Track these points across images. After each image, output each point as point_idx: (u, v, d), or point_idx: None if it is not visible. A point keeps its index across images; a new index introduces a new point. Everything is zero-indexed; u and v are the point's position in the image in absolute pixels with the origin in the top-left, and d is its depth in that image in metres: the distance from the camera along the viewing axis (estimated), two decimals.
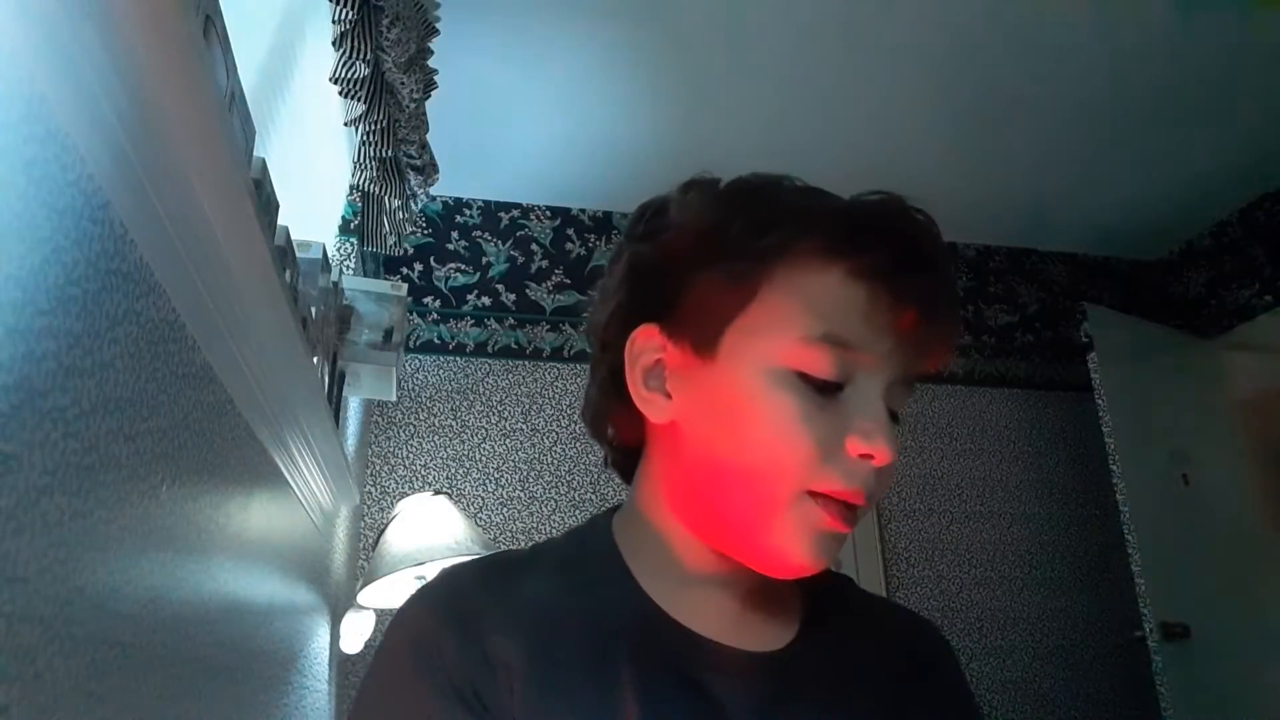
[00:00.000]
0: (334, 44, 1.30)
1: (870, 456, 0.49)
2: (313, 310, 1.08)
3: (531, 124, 2.47)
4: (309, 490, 1.26)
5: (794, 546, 0.49)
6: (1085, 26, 2.14)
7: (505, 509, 2.44)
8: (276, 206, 0.84)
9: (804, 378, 0.49)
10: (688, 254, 0.53)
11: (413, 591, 0.55)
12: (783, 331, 0.50)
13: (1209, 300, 3.03)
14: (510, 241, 2.79)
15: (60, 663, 0.47)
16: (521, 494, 2.45)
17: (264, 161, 0.79)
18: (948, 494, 2.77)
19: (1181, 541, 2.53)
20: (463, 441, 2.49)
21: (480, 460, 2.48)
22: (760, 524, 0.50)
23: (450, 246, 2.75)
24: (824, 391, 0.49)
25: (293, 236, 0.91)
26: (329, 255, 1.23)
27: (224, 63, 0.64)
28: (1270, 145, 2.63)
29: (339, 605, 1.76)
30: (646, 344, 0.54)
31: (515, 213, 2.84)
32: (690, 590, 0.54)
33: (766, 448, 0.49)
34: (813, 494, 0.49)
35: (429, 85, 1.58)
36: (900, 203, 0.53)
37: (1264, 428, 2.79)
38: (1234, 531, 2.65)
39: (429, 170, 1.66)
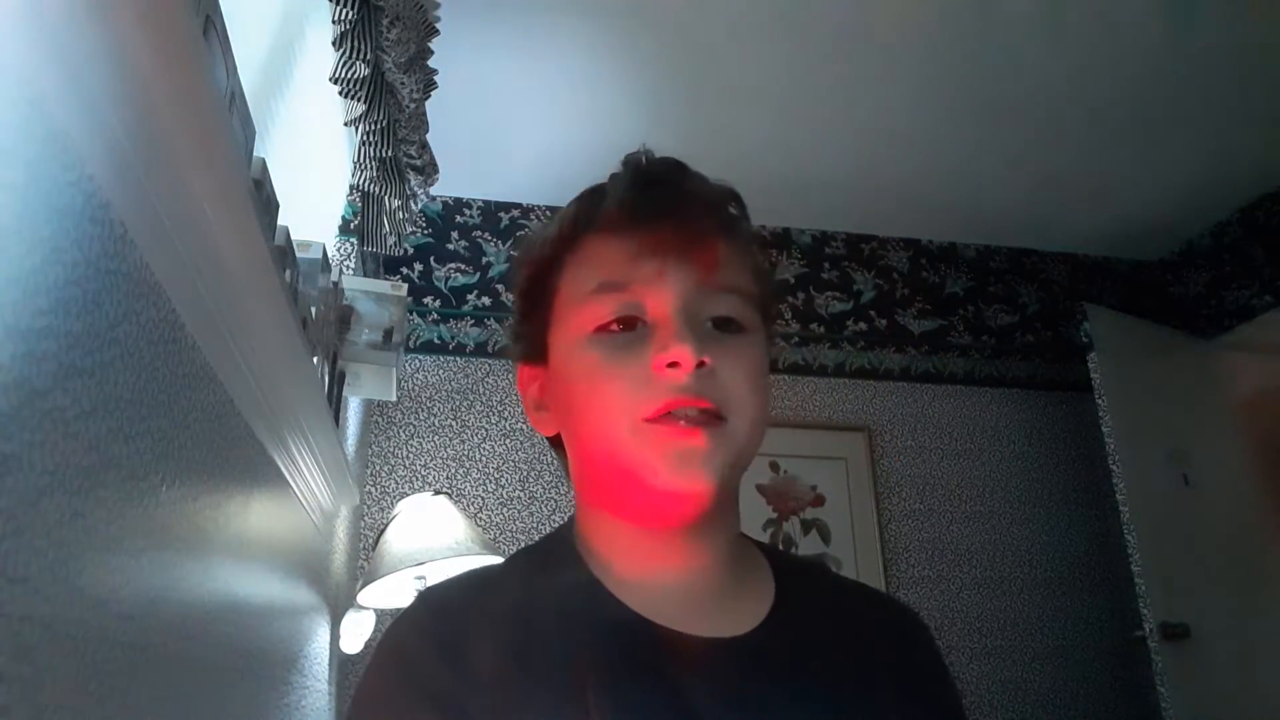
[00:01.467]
0: (334, 44, 1.30)
1: (675, 364, 0.51)
2: (313, 310, 1.08)
3: (531, 124, 2.47)
4: (309, 490, 1.26)
5: (655, 470, 0.51)
6: (1085, 27, 2.14)
7: (505, 509, 2.44)
8: (276, 206, 0.84)
9: (602, 332, 0.54)
10: (518, 290, 0.62)
11: (393, 621, 0.57)
12: (571, 306, 0.56)
13: (1209, 300, 3.02)
14: (510, 241, 2.79)
15: (60, 663, 0.47)
16: (521, 494, 2.45)
17: (264, 161, 0.79)
18: (947, 494, 2.77)
19: (1181, 541, 2.53)
20: (463, 441, 2.49)
21: (480, 460, 2.48)
22: (623, 469, 0.53)
23: (450, 246, 2.75)
24: (627, 334, 0.54)
25: (293, 236, 0.91)
26: (329, 255, 1.23)
27: (224, 63, 0.64)
28: (1270, 145, 2.63)
29: (339, 605, 1.76)
30: (523, 379, 0.63)
31: (515, 213, 2.84)
32: (649, 580, 0.56)
33: (594, 403, 0.54)
34: (648, 420, 0.52)
35: (429, 85, 1.58)
36: (634, 156, 0.60)
37: (1264, 428, 2.79)
38: (1234, 531, 2.65)
39: (429, 170, 1.66)
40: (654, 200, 0.56)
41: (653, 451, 0.51)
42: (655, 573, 0.56)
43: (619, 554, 0.57)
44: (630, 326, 0.54)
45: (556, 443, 0.63)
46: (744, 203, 0.62)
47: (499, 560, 1.87)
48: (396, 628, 0.56)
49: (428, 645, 0.52)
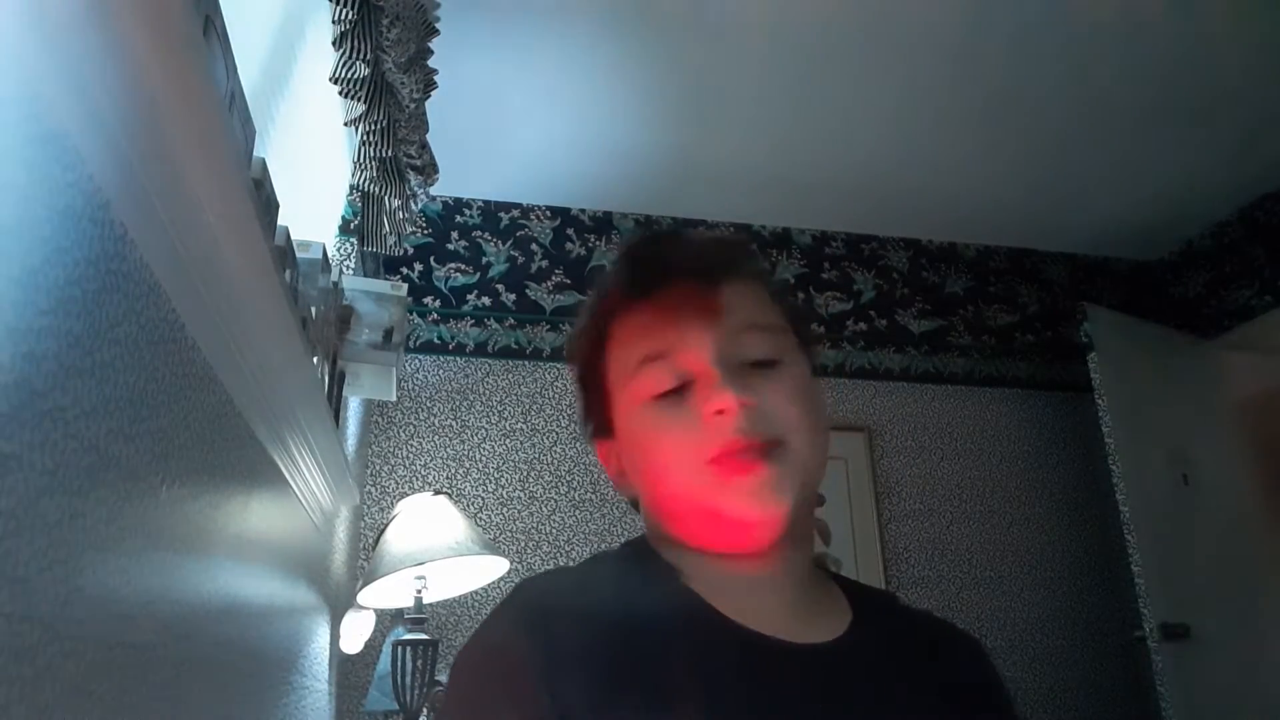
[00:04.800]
0: (334, 44, 1.30)
1: (720, 410, 0.56)
2: (313, 310, 1.08)
3: (531, 124, 2.47)
4: (309, 490, 1.26)
5: (722, 506, 0.56)
6: (1085, 27, 2.14)
7: (505, 509, 2.44)
8: (276, 206, 0.84)
9: (655, 399, 0.59)
10: (578, 386, 0.67)
11: (489, 615, 0.58)
12: (623, 382, 0.61)
13: (1209, 300, 3.02)
14: (510, 241, 2.79)
15: (60, 663, 0.47)
16: (521, 494, 2.45)
17: (264, 161, 0.79)
18: (948, 494, 2.77)
19: (1181, 541, 2.53)
20: (463, 441, 2.49)
21: (480, 460, 2.48)
22: (693, 510, 0.58)
23: (450, 246, 2.75)
24: (677, 395, 0.58)
25: (293, 236, 0.91)
26: (329, 255, 1.23)
27: (224, 63, 0.64)
28: (1270, 145, 2.63)
29: (339, 605, 1.76)
30: (603, 455, 0.67)
31: (515, 213, 2.84)
32: (738, 591, 0.58)
33: (658, 458, 0.59)
34: (709, 463, 0.56)
35: (429, 85, 1.58)
36: (647, 232, 0.67)
37: (1264, 428, 2.79)
38: (1234, 531, 2.65)
39: (429, 170, 1.66)
40: (668, 261, 0.62)
41: (720, 490, 0.56)
42: (742, 588, 0.59)
43: (707, 574, 0.59)
44: (679, 389, 0.58)
45: (637, 503, 0.67)
46: (747, 246, 0.68)
47: (500, 561, 1.86)
48: (496, 619, 0.56)
49: (529, 637, 0.53)
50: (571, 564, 0.66)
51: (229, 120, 0.63)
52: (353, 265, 1.84)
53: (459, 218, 2.80)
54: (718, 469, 0.55)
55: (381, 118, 1.43)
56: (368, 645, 1.88)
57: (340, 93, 1.35)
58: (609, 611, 0.55)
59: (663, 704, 0.51)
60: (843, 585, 0.65)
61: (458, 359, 2.60)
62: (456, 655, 0.56)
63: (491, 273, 2.74)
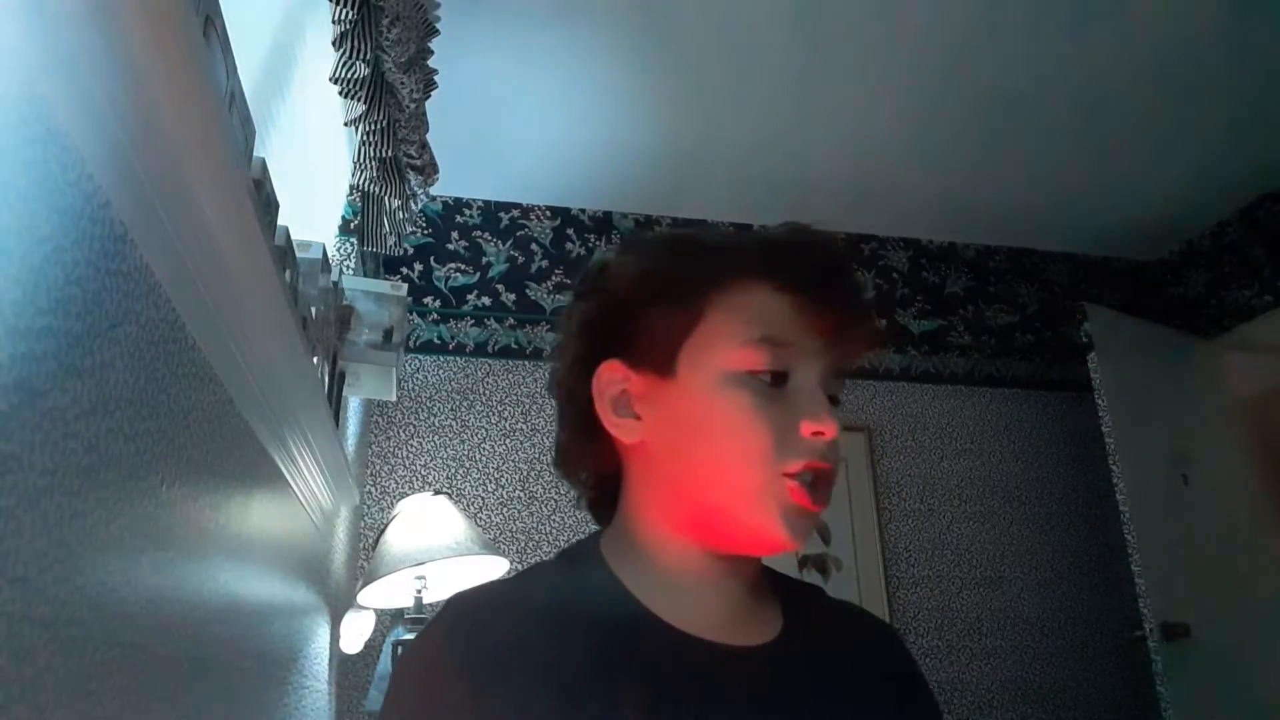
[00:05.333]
0: (334, 44, 1.30)
1: (821, 432, 0.56)
2: (313, 310, 1.08)
3: (531, 124, 2.47)
4: (309, 490, 1.26)
5: (775, 525, 0.56)
6: (1085, 26, 2.14)
7: (505, 509, 2.44)
8: (276, 206, 0.84)
9: (752, 376, 0.57)
10: (634, 295, 0.61)
11: (420, 632, 0.57)
12: (728, 341, 0.58)
13: (1209, 300, 3.02)
14: (510, 241, 2.79)
15: (60, 663, 0.47)
16: (521, 494, 2.45)
17: (264, 161, 0.79)
18: (948, 494, 2.77)
19: (1181, 541, 2.53)
20: (463, 441, 2.49)
21: (480, 460, 2.48)
22: (742, 508, 0.56)
23: (450, 246, 2.75)
24: (773, 385, 0.57)
25: (293, 236, 0.91)
26: (329, 255, 1.23)
27: (224, 63, 0.64)
28: (1270, 145, 2.63)
29: (339, 605, 1.76)
30: (611, 376, 0.61)
31: (515, 213, 2.84)
32: (682, 597, 0.59)
33: (732, 440, 0.56)
34: (787, 475, 0.56)
35: (429, 85, 1.58)
36: (807, 227, 0.63)
37: (1264, 428, 2.79)
38: (1234, 531, 2.65)
39: (429, 170, 1.66)
40: (834, 281, 0.61)
41: (777, 506, 0.56)
42: (697, 588, 0.59)
43: (665, 572, 0.59)
44: (779, 382, 0.57)
45: (600, 454, 0.63)
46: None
47: (500, 561, 1.86)
48: (427, 637, 0.56)
49: (461, 655, 0.53)
50: None
51: (229, 120, 0.63)
52: (353, 265, 1.84)
53: (459, 218, 2.80)
54: (789, 483, 0.55)
55: (381, 118, 1.43)
56: (368, 645, 1.88)
57: (340, 93, 1.35)
58: (543, 624, 0.55)
59: (602, 712, 0.51)
60: (773, 584, 0.66)
61: (458, 359, 2.60)
62: (390, 677, 0.56)
63: (491, 273, 2.74)
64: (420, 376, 2.55)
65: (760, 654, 0.58)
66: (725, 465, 0.57)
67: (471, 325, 2.65)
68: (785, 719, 0.55)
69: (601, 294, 0.63)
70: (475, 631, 0.54)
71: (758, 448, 0.55)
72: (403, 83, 1.41)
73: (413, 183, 1.66)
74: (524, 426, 2.54)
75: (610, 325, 0.62)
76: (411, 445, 2.46)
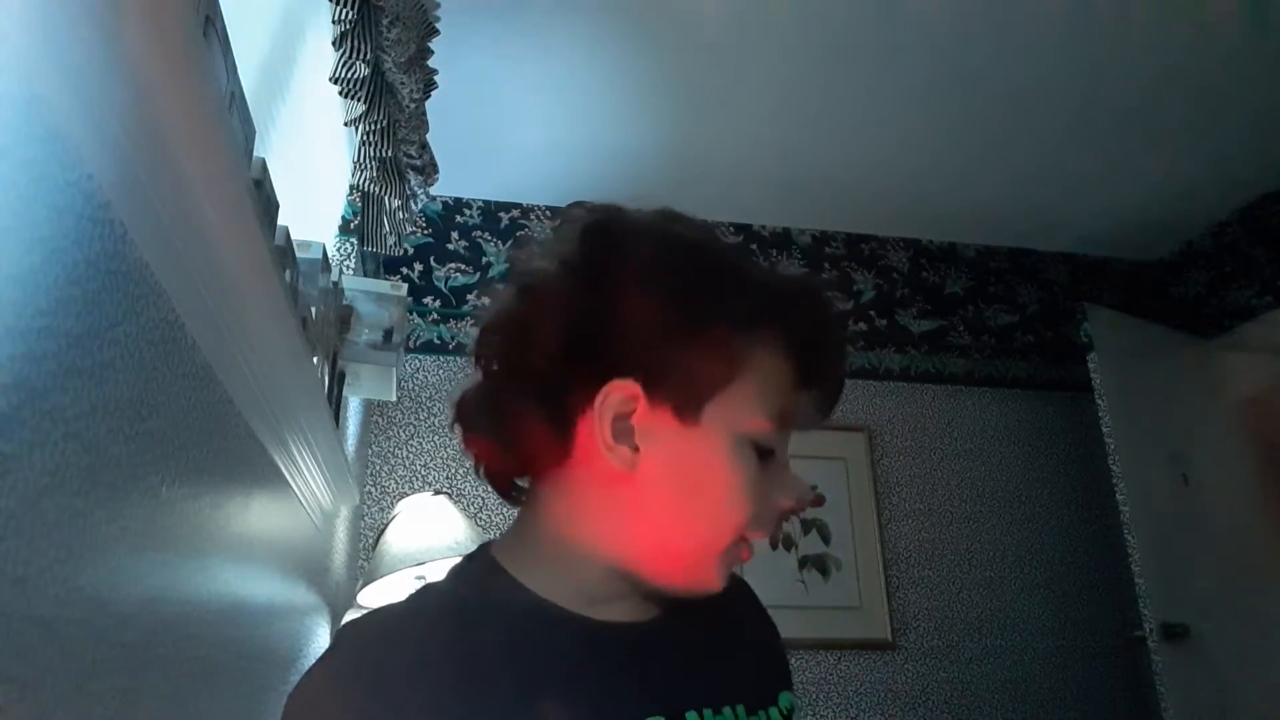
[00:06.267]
0: (334, 44, 1.30)
1: (791, 510, 0.60)
2: (313, 310, 1.08)
3: (531, 124, 2.47)
4: (309, 490, 1.26)
5: (718, 579, 0.59)
6: (1085, 27, 2.14)
7: (505, 509, 2.43)
8: (276, 206, 0.84)
9: (754, 444, 0.57)
10: (663, 317, 0.55)
11: (310, 672, 0.53)
12: (754, 407, 0.57)
13: (1209, 300, 3.02)
14: (510, 241, 2.79)
15: (60, 663, 0.47)
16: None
17: (264, 161, 0.79)
18: (948, 494, 2.76)
19: (1181, 541, 2.53)
20: None
21: None
22: (698, 563, 0.58)
23: (450, 246, 2.75)
24: (765, 460, 0.58)
25: (293, 236, 0.91)
26: (329, 255, 1.23)
27: (224, 63, 0.64)
28: (1270, 145, 2.63)
29: (339, 605, 1.76)
30: (624, 398, 0.55)
31: (515, 213, 2.84)
32: (594, 599, 0.59)
33: (725, 505, 0.57)
34: (743, 536, 0.58)
35: (429, 85, 1.58)
36: (823, 285, 0.65)
37: (1264, 428, 2.79)
38: (1234, 531, 2.65)
39: (429, 170, 1.66)
40: (837, 359, 0.64)
41: (724, 565, 0.58)
42: (609, 597, 0.59)
43: (582, 580, 0.58)
44: (765, 455, 0.58)
45: (547, 450, 0.58)
46: None
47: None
48: (314, 677, 0.52)
49: (358, 686, 0.50)
50: None
51: (229, 120, 0.63)
52: (353, 265, 1.84)
53: (459, 218, 2.80)
54: (740, 547, 0.58)
55: (381, 118, 1.43)
56: None
57: (340, 93, 1.35)
58: (446, 639, 0.53)
59: (521, 709, 0.51)
60: None
61: (458, 359, 2.60)
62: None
63: (491, 273, 2.74)
64: (420, 376, 2.55)
65: (654, 628, 0.60)
66: (705, 524, 0.57)
67: (471, 325, 2.65)
68: (688, 673, 0.59)
69: (616, 287, 0.56)
70: (377, 662, 0.51)
71: (742, 517, 0.57)
72: (403, 83, 1.41)
73: (413, 183, 1.65)
74: None
75: (623, 334, 0.55)
76: (411, 445, 2.46)
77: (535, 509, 0.61)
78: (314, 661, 0.53)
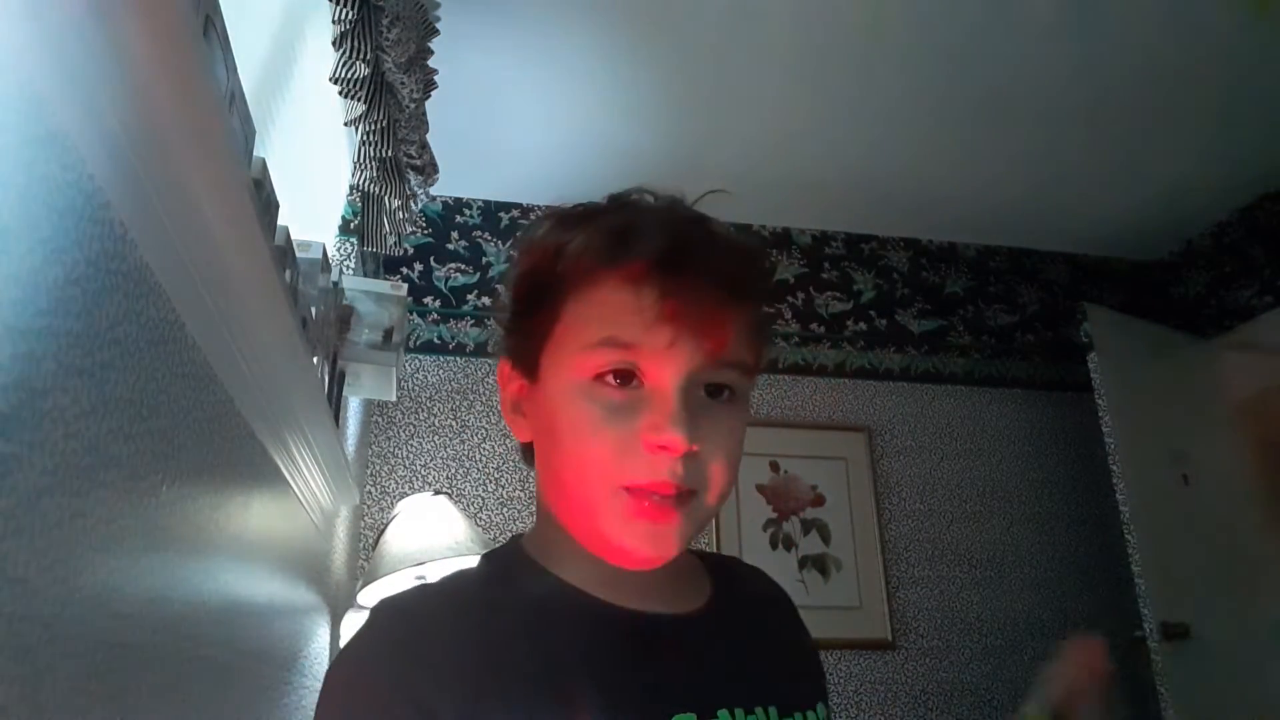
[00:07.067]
0: (334, 44, 1.30)
1: (664, 448, 0.52)
2: (313, 310, 1.08)
3: (531, 124, 2.47)
4: (309, 490, 1.26)
5: (621, 538, 0.54)
6: (1086, 26, 2.14)
7: (505, 509, 2.44)
8: (276, 206, 0.84)
9: (600, 383, 0.54)
10: (514, 292, 0.60)
11: (349, 642, 0.54)
12: (573, 346, 0.55)
13: (1209, 300, 3.02)
14: (510, 241, 2.79)
15: (60, 663, 0.47)
16: (521, 494, 2.45)
17: (264, 161, 0.79)
18: (948, 494, 2.76)
19: (1181, 541, 2.53)
20: (463, 441, 2.49)
21: (480, 460, 2.48)
22: (590, 520, 0.56)
23: (450, 246, 2.75)
24: (622, 391, 0.54)
25: (293, 236, 0.91)
26: (329, 255, 1.23)
27: (224, 62, 0.64)
28: (1270, 145, 2.63)
29: (339, 605, 1.76)
30: (503, 376, 0.62)
31: (515, 213, 2.84)
32: (612, 579, 0.58)
33: (576, 454, 0.54)
34: (626, 489, 0.53)
35: (429, 85, 1.58)
36: (668, 204, 0.60)
37: (1264, 428, 2.79)
38: (1234, 531, 2.65)
39: (429, 170, 1.66)
40: (678, 264, 0.53)
41: (625, 525, 0.53)
42: (617, 576, 0.58)
43: (583, 561, 0.58)
44: (626, 382, 0.54)
45: (528, 446, 0.64)
46: (769, 259, 0.64)
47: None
48: (360, 643, 0.53)
49: (402, 660, 0.50)
50: None
51: (229, 120, 0.63)
52: (353, 265, 1.84)
53: (459, 218, 2.80)
54: (632, 502, 0.53)
55: (381, 118, 1.43)
56: None
57: (340, 93, 1.35)
58: (480, 618, 0.54)
59: (550, 690, 0.51)
60: (699, 555, 0.68)
61: (458, 359, 2.60)
62: (321, 690, 0.53)
63: (491, 273, 2.74)
64: (420, 376, 2.55)
65: (695, 619, 0.60)
66: (573, 476, 0.55)
67: (471, 325, 2.65)
68: (725, 672, 0.58)
69: (507, 281, 0.63)
70: (416, 633, 0.52)
71: (596, 463, 0.53)
72: (403, 83, 1.41)
73: (413, 183, 1.66)
74: None
75: (507, 322, 0.62)
76: (411, 445, 2.46)
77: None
78: (352, 636, 0.54)
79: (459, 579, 0.59)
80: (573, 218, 0.59)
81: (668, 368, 0.53)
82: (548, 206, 0.64)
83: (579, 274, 0.55)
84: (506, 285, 0.62)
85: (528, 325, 0.58)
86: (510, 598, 0.56)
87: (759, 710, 0.56)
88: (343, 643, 1.70)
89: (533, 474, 0.65)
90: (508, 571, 0.59)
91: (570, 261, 0.56)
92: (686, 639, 0.58)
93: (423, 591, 0.58)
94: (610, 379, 0.53)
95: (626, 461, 0.53)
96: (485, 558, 0.63)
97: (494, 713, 0.49)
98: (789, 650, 0.67)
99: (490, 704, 0.49)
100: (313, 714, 0.53)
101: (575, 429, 0.54)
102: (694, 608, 0.60)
